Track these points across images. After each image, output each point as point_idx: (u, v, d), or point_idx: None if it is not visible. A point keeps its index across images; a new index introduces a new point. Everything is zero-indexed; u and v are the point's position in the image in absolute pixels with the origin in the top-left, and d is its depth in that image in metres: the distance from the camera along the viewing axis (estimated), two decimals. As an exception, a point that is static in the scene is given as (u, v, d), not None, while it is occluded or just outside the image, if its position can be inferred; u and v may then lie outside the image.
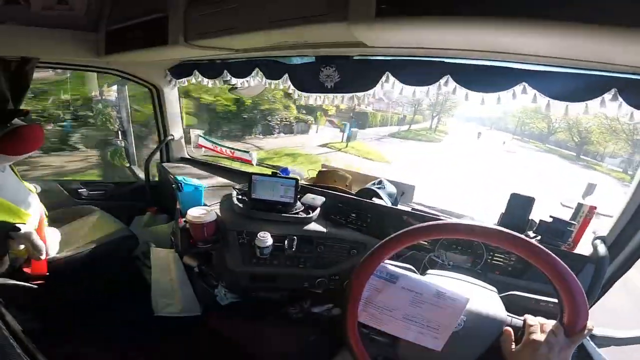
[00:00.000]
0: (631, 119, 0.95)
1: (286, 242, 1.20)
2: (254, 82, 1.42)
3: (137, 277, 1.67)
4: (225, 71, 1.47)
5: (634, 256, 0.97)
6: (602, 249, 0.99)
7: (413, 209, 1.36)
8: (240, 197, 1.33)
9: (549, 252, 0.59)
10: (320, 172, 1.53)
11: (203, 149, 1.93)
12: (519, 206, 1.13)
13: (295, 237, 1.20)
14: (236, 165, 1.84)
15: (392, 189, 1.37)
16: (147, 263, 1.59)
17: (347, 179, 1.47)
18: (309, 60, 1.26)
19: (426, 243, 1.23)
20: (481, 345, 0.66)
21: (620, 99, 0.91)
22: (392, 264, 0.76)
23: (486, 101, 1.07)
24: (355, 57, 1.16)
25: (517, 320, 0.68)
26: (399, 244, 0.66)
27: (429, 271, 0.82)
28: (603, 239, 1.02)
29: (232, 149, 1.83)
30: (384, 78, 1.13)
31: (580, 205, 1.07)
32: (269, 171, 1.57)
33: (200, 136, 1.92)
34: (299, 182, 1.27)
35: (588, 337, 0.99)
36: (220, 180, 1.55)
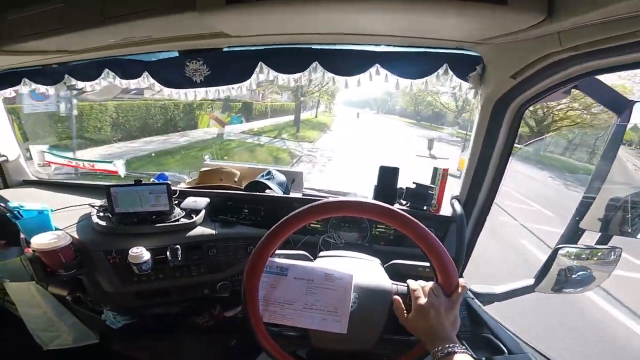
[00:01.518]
0: (460, 90, 1.10)
1: (168, 252, 1.11)
2: (104, 84, 1.24)
3: (5, 315, 1.38)
4: (67, 75, 1.25)
5: (485, 209, 1.13)
6: (458, 208, 1.13)
7: (304, 194, 1.39)
8: (101, 214, 1.17)
9: (411, 217, 0.63)
10: (202, 172, 1.44)
11: (53, 166, 1.61)
12: (387, 177, 1.23)
13: (178, 246, 1.12)
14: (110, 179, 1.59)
15: (282, 178, 1.37)
16: (9, 299, 1.32)
17: (234, 175, 1.42)
18: (171, 55, 1.16)
19: (319, 225, 1.27)
20: (379, 318, 0.68)
21: (451, 72, 1.04)
22: (286, 254, 0.75)
23: (350, 85, 1.13)
24: (225, 49, 1.10)
25: (403, 288, 0.71)
26: (280, 234, 0.65)
27: (320, 254, 0.84)
28: (457, 198, 1.17)
29: (91, 161, 1.58)
30: (258, 68, 1.11)
31: (436, 169, 1.22)
32: (146, 180, 1.41)
33: (46, 152, 1.59)
34: (172, 186, 1.17)
35: (473, 296, 1.13)
36: (78, 199, 1.33)
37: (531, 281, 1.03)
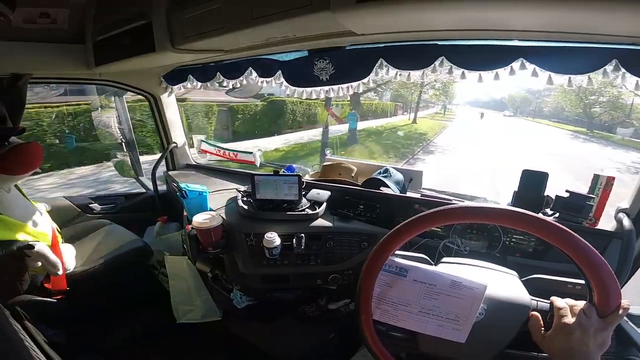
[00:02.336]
0: (637, 89, 0.91)
1: (294, 240, 1.21)
2: (245, 82, 1.42)
3: (155, 286, 1.72)
4: (218, 73, 1.47)
5: None
6: (627, 223, 0.95)
7: (422, 195, 1.33)
8: (245, 198, 1.34)
9: (567, 229, 0.57)
10: (324, 166, 1.52)
11: (208, 154, 1.94)
12: (532, 183, 1.10)
13: (303, 235, 1.20)
14: (244, 167, 1.86)
15: (399, 177, 1.34)
16: (164, 272, 1.63)
17: (352, 171, 1.46)
18: (302, 54, 1.26)
19: (439, 230, 1.21)
20: (508, 333, 0.64)
21: (623, 69, 0.89)
22: (403, 255, 0.74)
23: (484, 79, 1.07)
24: (347, 47, 1.14)
25: (543, 304, 0.66)
26: (404, 235, 0.64)
27: (443, 259, 0.81)
28: (626, 211, 0.97)
29: (235, 151, 1.83)
30: (377, 64, 1.13)
31: (597, 177, 1.02)
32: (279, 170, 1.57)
33: (203, 141, 1.93)
34: (302, 178, 1.26)
35: (626, 317, 0.96)
36: (226, 183, 1.56)
37: None
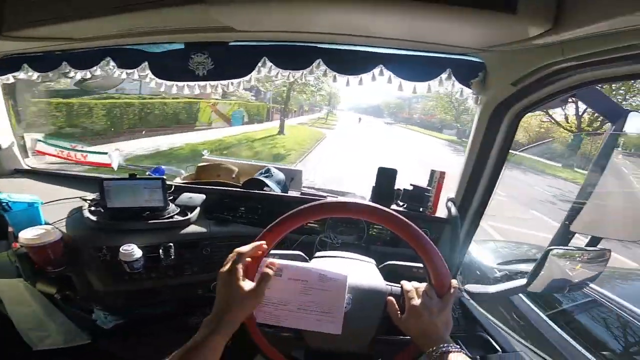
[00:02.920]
0: (461, 95, 1.12)
1: (161, 251, 1.08)
2: (100, 73, 1.21)
3: None
4: (65, 63, 1.21)
5: (479, 211, 1.16)
6: (453, 210, 1.16)
7: (302, 193, 1.38)
8: (93, 208, 1.13)
9: (400, 216, 0.64)
10: (199, 167, 1.42)
11: (48, 156, 1.55)
12: (385, 178, 1.25)
13: (171, 244, 1.10)
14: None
15: (281, 176, 1.36)
16: None
17: (233, 172, 1.40)
18: (177, 47, 1.14)
19: (316, 225, 1.27)
20: (373, 319, 0.68)
21: (453, 78, 1.06)
22: (280, 253, 0.74)
23: (351, 84, 1.15)
24: (231, 43, 1.10)
25: (397, 288, 0.71)
26: (273, 236, 0.64)
27: (315, 254, 0.84)
28: (453, 200, 1.20)
29: (84, 151, 1.53)
30: (260, 63, 1.11)
31: (433, 172, 1.24)
32: (141, 173, 1.37)
33: (40, 140, 1.53)
34: (166, 180, 1.15)
35: (467, 296, 1.16)
36: (69, 191, 1.29)
37: (524, 281, 1.06)
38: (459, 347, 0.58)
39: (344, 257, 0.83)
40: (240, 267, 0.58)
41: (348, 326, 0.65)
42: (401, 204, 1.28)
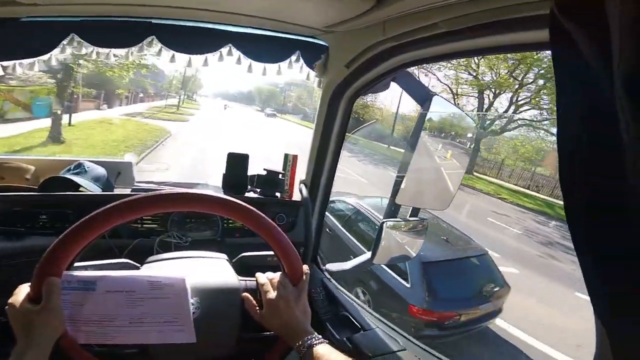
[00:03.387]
0: (308, 79, 1.10)
1: None
2: None
3: None
4: None
5: (326, 191, 1.19)
6: (304, 192, 1.16)
7: (134, 189, 1.14)
8: None
9: (246, 205, 0.59)
10: None
11: None
12: (236, 165, 1.15)
13: None
14: None
15: (99, 171, 1.07)
16: None
17: (26, 171, 1.02)
18: None
19: (155, 225, 1.07)
20: (233, 318, 0.64)
21: (302, 61, 1.05)
22: (95, 265, 0.63)
23: (194, 64, 1.05)
24: (24, 19, 0.86)
25: (252, 282, 0.68)
26: (68, 249, 0.54)
27: (148, 259, 0.72)
28: (304, 182, 1.20)
29: None
30: (66, 41, 0.90)
31: (286, 156, 1.20)
32: None
33: None
34: None
35: (328, 275, 1.19)
36: None
37: (369, 255, 1.16)
38: (321, 337, 0.58)
39: (184, 257, 0.74)
40: (21, 294, 0.53)
41: (204, 331, 0.60)
42: (258, 190, 1.20)
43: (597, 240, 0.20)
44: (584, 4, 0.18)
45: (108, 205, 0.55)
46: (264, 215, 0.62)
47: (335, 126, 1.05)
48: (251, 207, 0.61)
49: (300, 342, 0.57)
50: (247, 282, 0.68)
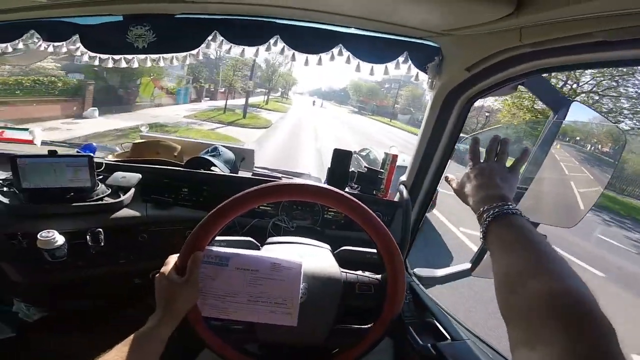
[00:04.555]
0: (416, 79, 1.09)
1: (88, 237, 0.97)
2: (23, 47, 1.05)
3: None
4: None
5: (429, 194, 1.17)
6: (404, 193, 1.16)
7: (254, 174, 1.31)
8: (5, 189, 0.98)
9: (356, 200, 0.63)
10: (135, 144, 1.27)
11: None
12: (340, 160, 1.21)
13: (100, 230, 0.98)
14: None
15: (230, 155, 1.27)
16: None
17: (175, 149, 1.28)
18: (114, 19, 1.02)
19: (269, 208, 1.21)
20: (331, 309, 0.66)
21: (410, 61, 1.05)
22: (228, 240, 0.71)
23: (310, 62, 1.11)
24: (177, 16, 1.00)
25: (351, 275, 0.70)
26: (217, 223, 0.60)
27: (268, 240, 0.80)
28: (404, 183, 1.20)
29: (1, 127, 1.30)
30: (211, 37, 1.02)
31: (386, 155, 1.22)
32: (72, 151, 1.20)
33: None
34: (95, 159, 1.01)
35: (417, 280, 1.18)
36: None
37: (468, 265, 1.10)
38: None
39: (298, 243, 0.80)
40: (170, 264, 0.59)
41: (304, 317, 0.62)
42: (355, 186, 1.25)
43: None
44: None
45: (255, 188, 0.61)
46: (373, 213, 0.65)
47: (447, 129, 1.02)
48: (363, 205, 0.64)
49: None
50: (348, 275, 0.71)
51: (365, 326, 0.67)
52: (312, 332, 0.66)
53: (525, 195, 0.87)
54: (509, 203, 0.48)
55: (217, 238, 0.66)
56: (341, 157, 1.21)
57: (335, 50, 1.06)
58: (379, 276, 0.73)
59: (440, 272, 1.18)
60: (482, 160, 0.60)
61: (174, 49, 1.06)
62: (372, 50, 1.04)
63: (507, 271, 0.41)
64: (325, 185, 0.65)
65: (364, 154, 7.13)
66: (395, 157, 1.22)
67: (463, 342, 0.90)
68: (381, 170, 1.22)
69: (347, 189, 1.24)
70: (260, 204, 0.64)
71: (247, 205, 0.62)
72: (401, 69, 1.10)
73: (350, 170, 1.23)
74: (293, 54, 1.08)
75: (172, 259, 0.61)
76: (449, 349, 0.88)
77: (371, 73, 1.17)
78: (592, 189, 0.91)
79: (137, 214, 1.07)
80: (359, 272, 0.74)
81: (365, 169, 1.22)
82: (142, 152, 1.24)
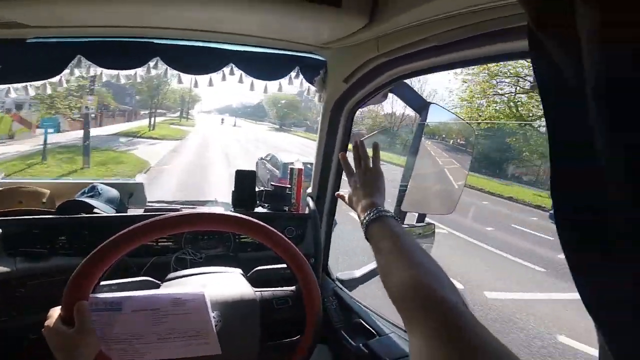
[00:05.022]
0: (308, 94, 1.15)
1: None
2: None
3: None
4: None
5: (333, 202, 1.22)
6: (312, 204, 1.19)
7: (147, 209, 1.17)
8: None
9: (259, 222, 0.64)
10: None
11: None
12: (244, 181, 1.18)
13: None
14: None
15: (113, 193, 1.11)
16: None
17: (42, 195, 1.07)
18: None
19: (170, 243, 1.09)
20: (253, 328, 0.66)
21: (301, 76, 1.10)
22: (119, 283, 0.69)
23: (199, 84, 1.12)
24: (30, 40, 0.89)
25: (267, 293, 0.72)
26: (94, 270, 0.56)
27: (168, 276, 0.76)
28: (310, 195, 1.22)
29: None
30: (74, 61, 0.94)
31: (292, 170, 1.24)
32: None
33: None
34: None
35: (340, 284, 1.20)
36: None
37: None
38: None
39: (201, 273, 0.77)
40: (54, 317, 0.55)
41: (228, 343, 0.62)
42: (266, 205, 1.23)
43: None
44: (554, 18, 0.19)
45: (127, 230, 0.57)
46: (278, 232, 0.67)
47: (337, 139, 1.09)
48: (265, 225, 0.66)
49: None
50: (263, 293, 0.72)
51: (295, 338, 0.69)
52: (242, 354, 0.66)
53: (408, 191, 0.98)
54: (378, 207, 0.56)
55: (106, 283, 0.63)
56: (244, 178, 1.18)
57: (227, 70, 1.04)
58: (293, 287, 0.75)
59: (359, 272, 1.24)
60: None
61: (27, 77, 0.94)
62: (264, 67, 1.06)
63: (382, 263, 0.49)
64: (211, 209, 0.66)
65: (268, 158, 7.55)
66: (300, 170, 1.25)
67: (388, 337, 0.95)
68: (288, 185, 1.23)
69: (258, 209, 1.21)
70: (142, 242, 0.60)
71: (128, 245, 0.58)
72: (294, 84, 1.15)
73: (258, 189, 1.21)
74: (179, 76, 1.03)
75: (55, 312, 0.57)
76: (377, 345, 0.93)
77: (265, 91, 1.19)
78: (460, 175, 1.08)
79: (5, 269, 0.89)
80: (273, 289, 0.75)
81: (272, 187, 1.21)
82: (2, 202, 0.99)
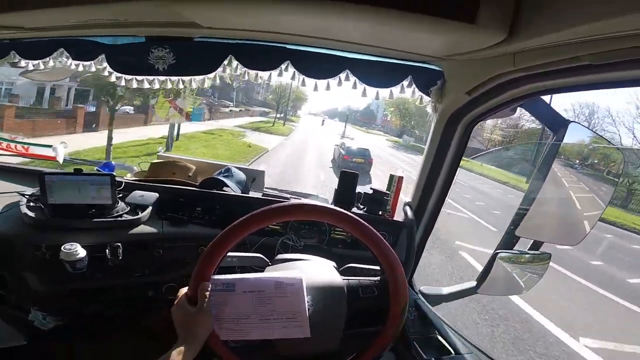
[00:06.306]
0: (421, 103, 1.15)
1: (107, 251, 1.03)
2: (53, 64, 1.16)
3: None
4: (13, 52, 1.15)
5: (433, 215, 1.19)
6: (409, 213, 1.18)
7: (264, 194, 1.36)
8: (32, 204, 1.06)
9: (361, 220, 0.67)
10: (153, 164, 1.36)
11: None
12: (347, 181, 1.25)
13: (119, 245, 1.04)
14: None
15: (242, 176, 1.33)
16: None
17: (189, 170, 1.36)
18: (137, 40, 1.12)
19: (278, 227, 1.25)
20: (339, 315, 0.69)
21: (414, 85, 1.10)
22: (239, 256, 0.77)
23: (319, 87, 1.16)
24: (196, 39, 1.08)
25: (353, 281, 0.75)
26: (229, 240, 0.64)
27: (276, 257, 0.84)
28: (409, 204, 1.22)
29: (25, 143, 1.43)
30: (227, 61, 1.10)
31: (392, 177, 1.25)
32: (89, 168, 1.30)
33: None
34: (116, 178, 1.09)
35: (422, 297, 1.18)
36: (7, 185, 1.19)
37: (473, 283, 1.09)
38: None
39: (301, 260, 0.83)
40: (182, 296, 0.63)
41: (316, 327, 0.65)
42: (362, 207, 1.28)
43: None
44: None
45: (267, 208, 0.66)
46: (377, 232, 0.69)
47: (449, 152, 1.06)
48: (369, 226, 0.69)
49: None
50: (350, 280, 0.74)
51: (375, 328, 0.70)
52: (326, 340, 0.68)
53: (528, 215, 0.88)
54: None
55: (229, 254, 0.70)
56: (348, 179, 1.26)
57: (342, 76, 1.10)
58: (378, 277, 0.76)
59: (446, 290, 1.18)
60: None
61: (192, 71, 1.14)
62: (378, 75, 1.09)
63: None
64: (329, 205, 0.70)
65: (340, 144, 10.30)
66: (400, 178, 1.25)
67: (463, 357, 0.89)
68: (387, 192, 1.25)
69: (354, 209, 1.27)
70: (276, 221, 0.71)
71: (264, 222, 0.67)
72: (406, 92, 1.16)
73: (357, 191, 1.26)
74: (303, 79, 1.13)
75: (183, 291, 0.65)
76: None
77: (376, 97, 1.23)
78: (595, 206, 0.91)
79: (154, 230, 1.13)
80: (360, 278, 0.77)
81: (372, 191, 1.25)
82: (159, 172, 1.32)
